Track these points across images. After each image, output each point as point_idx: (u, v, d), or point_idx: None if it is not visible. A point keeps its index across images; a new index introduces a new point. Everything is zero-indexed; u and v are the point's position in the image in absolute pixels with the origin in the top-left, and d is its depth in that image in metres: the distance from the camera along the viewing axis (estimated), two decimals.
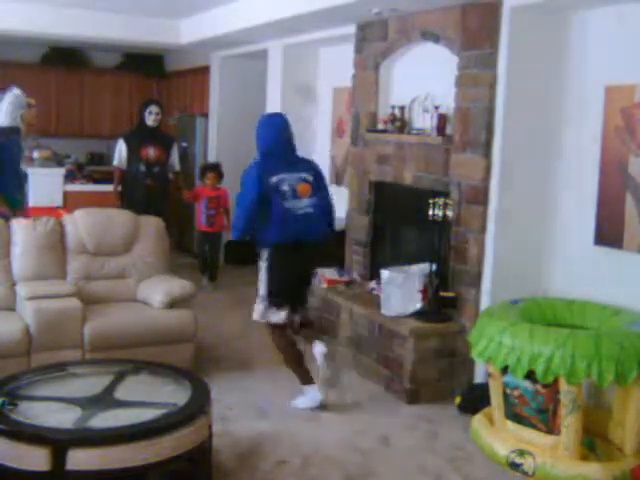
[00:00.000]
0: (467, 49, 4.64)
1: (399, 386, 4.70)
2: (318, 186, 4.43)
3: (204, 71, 8.98)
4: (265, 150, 4.43)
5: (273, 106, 7.41)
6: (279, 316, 4.42)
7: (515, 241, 4.55)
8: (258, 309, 4.46)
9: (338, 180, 6.91)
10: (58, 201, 8.32)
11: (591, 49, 4.31)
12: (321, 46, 7.13)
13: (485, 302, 4.54)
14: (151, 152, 6.91)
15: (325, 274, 5.62)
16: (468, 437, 4.09)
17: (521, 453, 3.69)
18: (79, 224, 5.08)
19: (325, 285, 5.55)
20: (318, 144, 7.35)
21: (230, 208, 6.68)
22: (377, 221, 5.72)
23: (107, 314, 4.74)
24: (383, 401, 4.67)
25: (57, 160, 9.04)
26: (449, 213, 4.65)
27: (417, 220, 5.01)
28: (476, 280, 4.60)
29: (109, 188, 7.93)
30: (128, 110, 9.92)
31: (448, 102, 4.82)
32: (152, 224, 5.35)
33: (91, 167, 9.72)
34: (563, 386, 3.55)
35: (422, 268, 4.79)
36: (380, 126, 5.61)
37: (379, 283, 5.05)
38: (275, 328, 4.49)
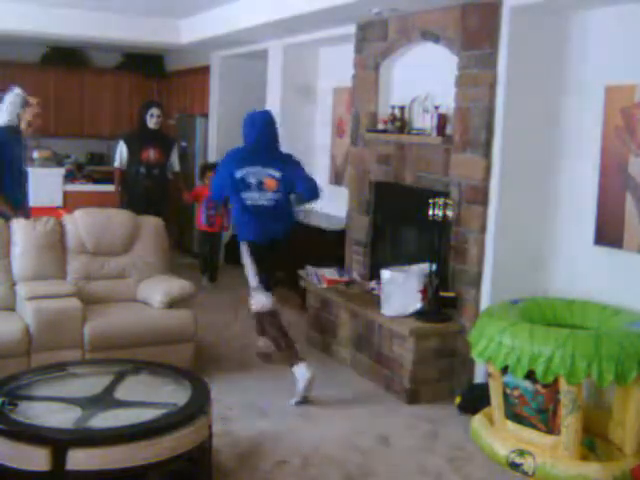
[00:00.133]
0: (467, 49, 4.64)
1: (399, 386, 4.70)
2: (288, 181, 4.73)
3: (204, 71, 8.98)
4: (246, 144, 4.84)
5: (273, 106, 7.40)
6: (270, 301, 4.77)
7: (515, 241, 4.55)
8: (257, 299, 4.77)
9: (338, 180, 6.91)
10: (58, 201, 8.33)
11: (591, 49, 4.31)
12: (321, 46, 7.14)
13: (485, 302, 4.54)
14: (152, 154, 6.91)
15: (325, 274, 5.63)
16: (468, 437, 4.09)
17: (521, 453, 3.69)
18: (79, 224, 5.08)
19: (325, 285, 5.55)
20: (318, 144, 7.35)
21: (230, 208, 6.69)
22: (377, 221, 5.72)
23: (107, 314, 4.74)
24: (383, 401, 4.67)
25: (57, 160, 9.05)
26: (449, 213, 4.65)
27: (417, 220, 5.01)
28: (476, 280, 4.60)
29: (109, 188, 7.95)
30: (128, 110, 9.92)
31: (448, 102, 4.82)
32: (152, 224, 5.35)
33: (91, 167, 9.73)
34: (563, 386, 3.55)
35: (422, 268, 4.79)
36: (380, 126, 5.61)
37: (379, 283, 5.05)
38: (268, 316, 4.79)
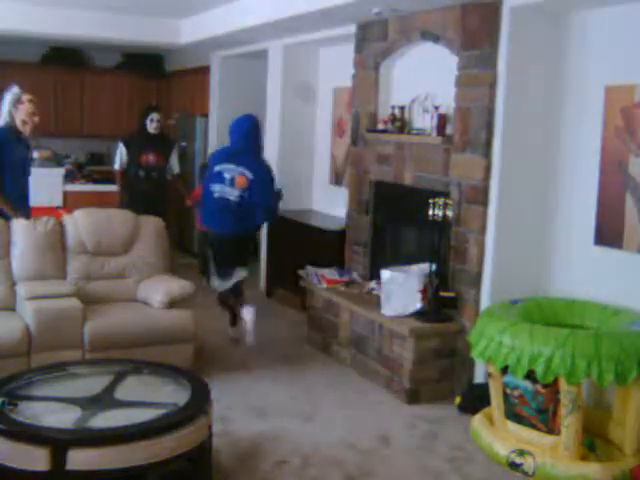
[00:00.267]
0: (467, 49, 4.64)
1: (399, 386, 4.70)
2: (257, 185, 5.25)
3: (204, 71, 8.98)
4: (230, 144, 5.50)
5: (273, 106, 7.42)
6: (222, 285, 5.59)
7: (515, 241, 4.56)
8: (211, 282, 5.70)
9: (338, 180, 6.91)
10: (58, 201, 8.33)
11: (591, 49, 4.31)
12: (321, 46, 7.14)
13: (485, 302, 4.54)
14: (151, 158, 6.91)
15: (325, 274, 5.63)
16: (468, 437, 4.09)
17: (521, 453, 3.69)
18: (79, 224, 5.08)
19: (325, 285, 5.55)
20: (318, 144, 7.35)
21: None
22: (377, 221, 5.72)
23: (107, 314, 4.74)
24: (383, 401, 4.67)
25: (57, 160, 9.05)
26: (449, 213, 4.65)
27: (417, 220, 5.01)
28: (476, 280, 4.60)
29: (109, 188, 7.95)
30: (128, 110, 9.90)
31: (448, 102, 4.82)
32: (152, 224, 5.35)
33: (91, 167, 9.72)
34: (563, 386, 3.55)
35: (422, 268, 4.79)
36: (380, 126, 5.61)
37: (379, 283, 5.05)
38: (219, 294, 5.71)
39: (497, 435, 3.87)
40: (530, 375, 3.62)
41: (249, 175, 5.23)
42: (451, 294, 4.74)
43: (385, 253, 5.67)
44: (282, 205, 7.22)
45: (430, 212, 4.67)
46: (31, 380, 3.56)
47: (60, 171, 8.68)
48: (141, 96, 10.04)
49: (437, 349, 4.67)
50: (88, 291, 4.91)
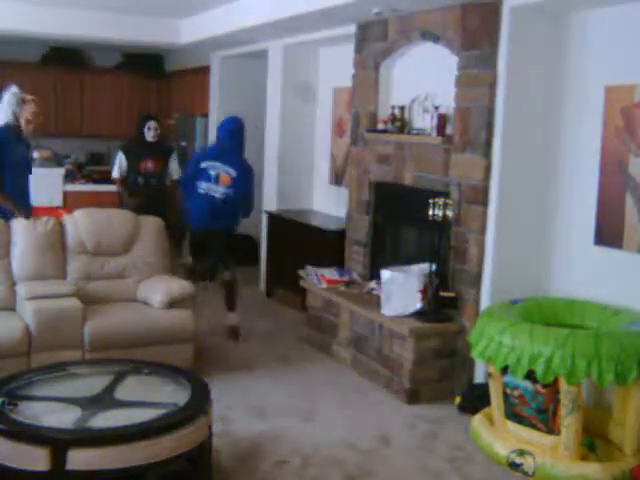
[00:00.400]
0: (467, 49, 4.64)
1: (399, 386, 4.70)
2: (240, 183, 5.57)
3: (204, 71, 8.98)
4: (216, 143, 5.90)
5: (273, 106, 7.42)
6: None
7: (515, 241, 4.56)
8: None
9: (338, 180, 6.91)
10: (58, 201, 8.34)
11: (591, 49, 4.31)
12: (321, 46, 7.14)
13: (485, 302, 4.54)
14: (149, 165, 6.91)
15: (325, 274, 5.63)
16: (468, 437, 4.09)
17: (521, 453, 3.69)
18: (79, 224, 5.08)
19: (325, 285, 5.55)
20: (318, 144, 7.35)
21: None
22: (377, 221, 5.72)
23: (107, 314, 4.74)
24: (383, 401, 4.67)
25: (57, 160, 9.05)
26: (449, 213, 4.65)
27: (417, 220, 5.01)
28: (476, 280, 4.60)
29: (109, 188, 7.94)
30: (128, 110, 9.91)
31: (448, 102, 4.82)
32: (152, 224, 5.35)
33: (91, 167, 9.72)
34: (563, 386, 3.55)
35: (422, 268, 4.79)
36: (380, 126, 5.61)
37: (379, 283, 5.05)
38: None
39: (497, 435, 3.87)
40: (530, 375, 3.62)
41: (233, 173, 5.56)
42: (451, 294, 4.74)
43: (385, 253, 5.67)
44: (282, 205, 7.29)
45: (430, 212, 4.67)
46: (31, 380, 3.56)
47: (60, 171, 8.69)
48: (141, 96, 10.06)
49: (437, 349, 4.67)
50: (88, 291, 4.91)
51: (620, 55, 4.15)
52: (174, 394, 3.44)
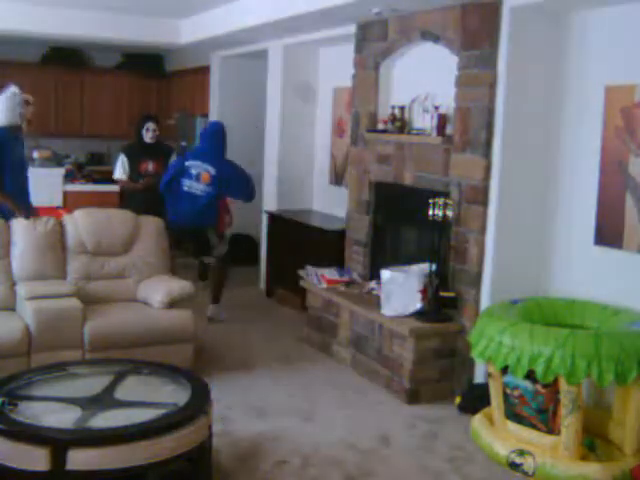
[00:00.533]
0: (467, 49, 4.64)
1: (399, 386, 4.70)
2: (219, 181, 5.99)
3: (204, 71, 8.98)
4: (198, 144, 6.52)
5: (273, 106, 7.42)
6: None
7: (515, 241, 4.56)
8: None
9: (338, 180, 6.91)
10: (58, 201, 8.33)
11: (591, 49, 4.31)
12: (321, 46, 7.14)
13: (485, 302, 4.54)
14: (150, 166, 6.91)
15: (325, 274, 5.63)
16: (468, 437, 4.09)
17: (521, 453, 3.69)
18: (79, 224, 5.08)
19: (325, 285, 5.55)
20: (318, 144, 7.35)
21: (230, 207, 6.69)
22: (377, 221, 5.72)
23: (107, 314, 4.74)
24: (383, 401, 4.67)
25: (57, 160, 9.04)
26: (449, 213, 4.65)
27: (417, 220, 5.01)
28: (476, 280, 4.60)
29: (109, 188, 7.94)
30: (128, 110, 9.92)
31: (448, 102, 4.82)
32: (152, 224, 5.35)
33: (91, 167, 9.72)
34: (563, 386, 3.55)
35: (422, 268, 4.79)
36: (380, 126, 5.61)
37: (379, 283, 5.05)
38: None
39: (497, 435, 3.87)
40: (530, 375, 3.62)
41: (212, 171, 6.01)
42: (451, 294, 4.74)
43: (385, 253, 5.66)
44: (282, 205, 7.28)
45: (430, 212, 4.67)
46: (31, 380, 3.56)
47: (60, 171, 8.68)
48: (141, 96, 10.06)
49: (437, 349, 4.67)
50: (88, 291, 4.91)
51: (620, 55, 4.15)
52: (174, 394, 3.44)
